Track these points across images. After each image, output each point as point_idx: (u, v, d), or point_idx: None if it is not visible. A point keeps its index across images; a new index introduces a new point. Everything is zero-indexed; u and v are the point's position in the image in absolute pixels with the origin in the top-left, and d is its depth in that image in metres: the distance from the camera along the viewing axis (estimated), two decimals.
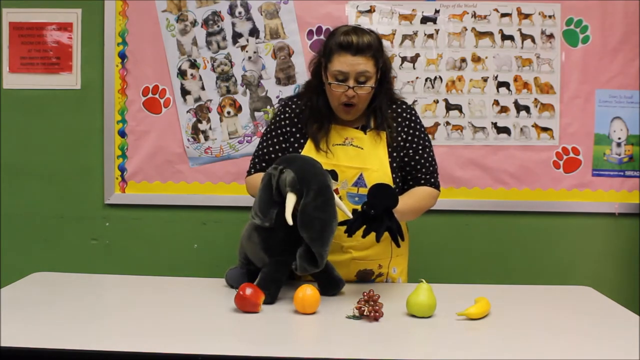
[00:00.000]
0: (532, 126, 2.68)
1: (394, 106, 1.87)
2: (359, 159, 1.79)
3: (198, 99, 2.70)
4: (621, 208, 2.69)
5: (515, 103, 2.67)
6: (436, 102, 2.67)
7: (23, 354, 1.26)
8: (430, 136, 1.94)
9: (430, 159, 1.87)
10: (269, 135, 1.89)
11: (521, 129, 2.68)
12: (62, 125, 2.73)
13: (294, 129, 1.86)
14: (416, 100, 2.67)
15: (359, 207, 1.63)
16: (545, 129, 2.68)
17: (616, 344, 1.35)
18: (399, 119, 1.85)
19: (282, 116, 1.88)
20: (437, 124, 2.68)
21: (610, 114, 2.68)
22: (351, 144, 1.81)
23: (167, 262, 2.71)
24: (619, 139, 2.69)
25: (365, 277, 1.86)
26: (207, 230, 2.74)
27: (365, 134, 1.82)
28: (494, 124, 2.68)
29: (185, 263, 2.71)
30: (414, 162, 1.84)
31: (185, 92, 2.69)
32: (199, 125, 2.70)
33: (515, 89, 2.67)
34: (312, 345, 1.38)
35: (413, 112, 1.89)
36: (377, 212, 1.57)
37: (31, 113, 2.73)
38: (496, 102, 2.67)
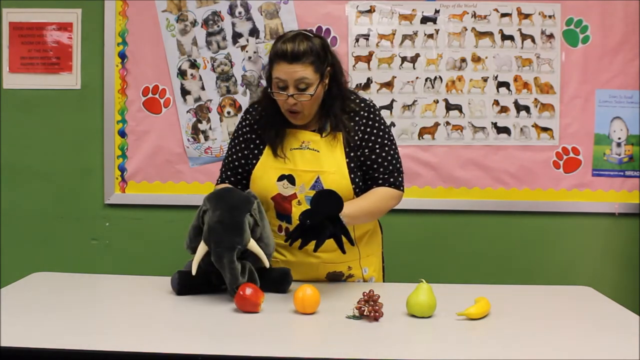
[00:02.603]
0: (532, 126, 2.67)
1: (352, 105, 1.81)
2: (315, 162, 1.76)
3: (198, 99, 2.70)
4: (621, 208, 2.69)
5: (515, 103, 2.67)
6: (436, 102, 2.67)
7: (23, 354, 1.25)
8: (394, 135, 1.85)
9: (389, 157, 1.79)
10: (232, 144, 1.90)
11: (521, 129, 2.68)
12: (62, 125, 2.73)
13: (253, 136, 1.85)
14: (416, 100, 2.67)
15: None
16: (545, 129, 2.68)
17: (616, 344, 1.35)
18: (357, 118, 1.80)
19: (244, 123, 1.89)
20: (437, 124, 2.68)
21: (610, 114, 2.68)
22: (307, 148, 1.78)
23: (167, 262, 2.68)
24: (619, 139, 2.69)
25: (335, 278, 1.85)
26: None
27: (322, 136, 1.79)
28: (494, 124, 2.67)
29: (185, 263, 2.71)
30: (370, 161, 1.78)
31: (185, 92, 2.69)
32: (199, 125, 2.70)
33: (515, 89, 2.67)
34: (312, 345, 1.38)
35: (372, 109, 1.82)
36: (315, 221, 1.54)
37: (31, 113, 2.73)
38: (496, 102, 2.67)
